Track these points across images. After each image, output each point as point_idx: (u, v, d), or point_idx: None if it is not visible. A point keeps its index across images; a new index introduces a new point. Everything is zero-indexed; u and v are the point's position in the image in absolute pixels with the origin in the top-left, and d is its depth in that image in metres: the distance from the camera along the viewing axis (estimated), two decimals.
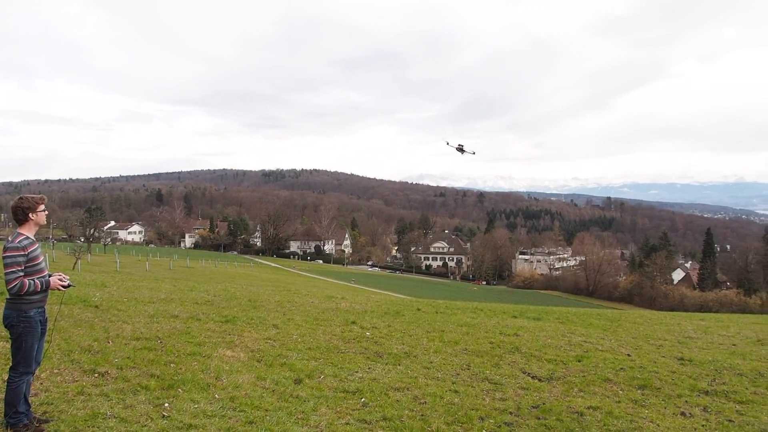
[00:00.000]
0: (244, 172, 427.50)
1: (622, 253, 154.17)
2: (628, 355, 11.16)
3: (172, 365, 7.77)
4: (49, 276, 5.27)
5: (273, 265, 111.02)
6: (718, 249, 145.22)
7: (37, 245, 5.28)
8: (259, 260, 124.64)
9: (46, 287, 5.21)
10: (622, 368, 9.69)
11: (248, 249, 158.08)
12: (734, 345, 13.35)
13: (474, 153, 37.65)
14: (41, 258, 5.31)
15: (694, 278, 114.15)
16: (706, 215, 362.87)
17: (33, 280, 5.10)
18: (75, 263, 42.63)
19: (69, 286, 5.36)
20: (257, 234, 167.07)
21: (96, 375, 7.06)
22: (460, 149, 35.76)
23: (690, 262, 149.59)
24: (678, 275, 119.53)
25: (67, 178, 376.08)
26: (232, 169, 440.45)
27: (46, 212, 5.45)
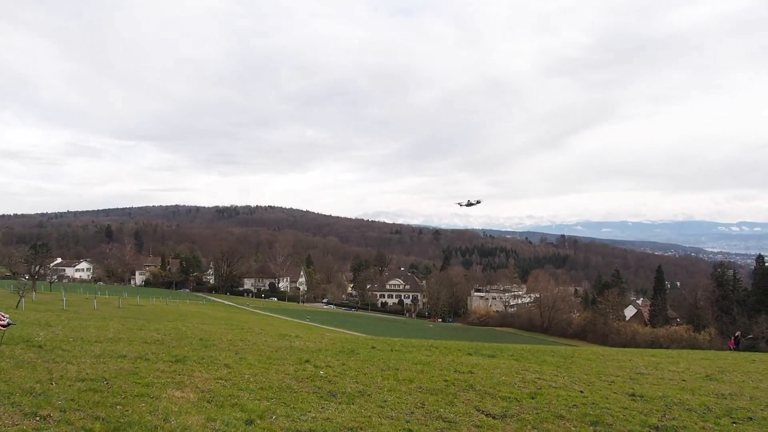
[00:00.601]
0: (197, 209, 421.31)
1: (576, 290, 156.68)
2: (581, 391, 11.25)
3: (118, 407, 7.52)
4: None
5: (226, 302, 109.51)
6: (669, 286, 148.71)
7: None
8: (212, 298, 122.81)
9: None
10: (575, 405, 9.75)
11: (201, 287, 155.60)
12: (684, 380, 13.59)
13: (479, 202, 38.72)
14: None
15: (646, 315, 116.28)
16: (657, 253, 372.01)
17: None
18: (19, 302, 41.21)
19: (9, 324, 5.18)
20: (210, 271, 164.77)
21: (38, 418, 6.78)
22: (471, 204, 37.04)
23: (641, 298, 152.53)
24: (630, 312, 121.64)
25: (12, 214, 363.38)
26: (184, 205, 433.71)
27: None
